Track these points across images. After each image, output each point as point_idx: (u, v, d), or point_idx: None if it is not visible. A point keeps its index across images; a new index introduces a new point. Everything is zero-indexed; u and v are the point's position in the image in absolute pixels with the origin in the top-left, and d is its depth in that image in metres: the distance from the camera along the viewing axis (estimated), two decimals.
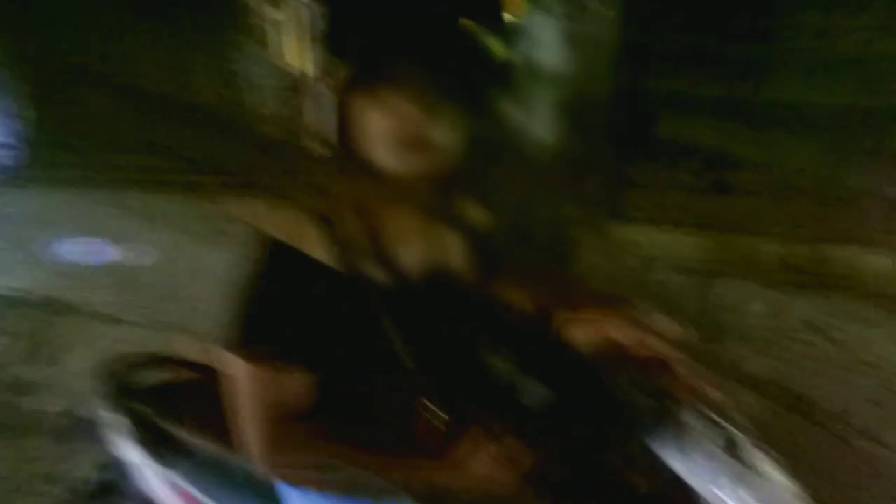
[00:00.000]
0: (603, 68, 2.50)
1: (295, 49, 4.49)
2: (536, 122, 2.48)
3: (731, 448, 0.51)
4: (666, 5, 2.91)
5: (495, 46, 0.59)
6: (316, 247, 0.53)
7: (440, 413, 0.57)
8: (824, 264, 2.64)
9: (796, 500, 0.50)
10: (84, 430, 1.81)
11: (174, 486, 0.83)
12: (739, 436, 0.52)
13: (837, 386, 2.00)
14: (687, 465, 0.52)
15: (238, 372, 0.53)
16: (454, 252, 0.66)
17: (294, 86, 4.55)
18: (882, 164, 2.70)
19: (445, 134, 0.51)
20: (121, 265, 3.17)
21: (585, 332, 0.68)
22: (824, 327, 2.30)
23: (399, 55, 0.52)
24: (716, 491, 0.50)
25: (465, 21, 0.57)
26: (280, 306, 0.53)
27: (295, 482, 0.62)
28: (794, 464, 0.53)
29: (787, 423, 1.80)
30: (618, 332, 0.64)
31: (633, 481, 0.58)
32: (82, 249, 3.26)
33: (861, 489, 1.60)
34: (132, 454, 0.87)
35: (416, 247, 0.61)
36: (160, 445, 0.83)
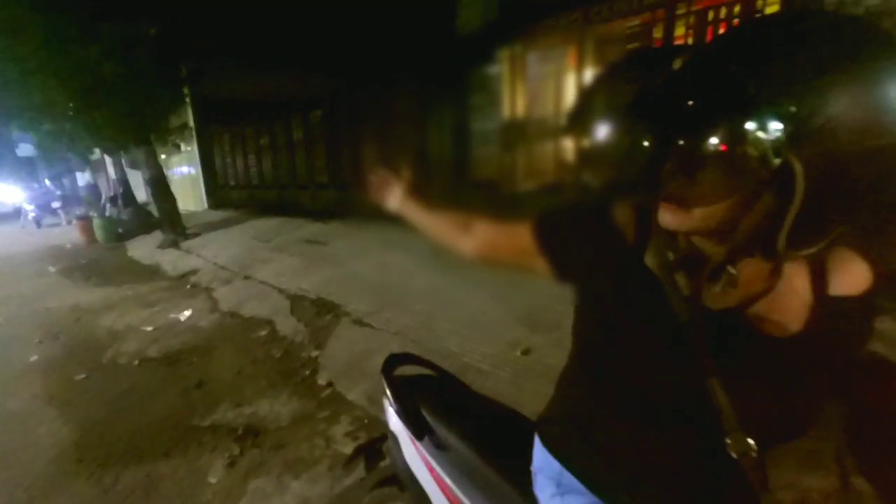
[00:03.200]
0: None
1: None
2: None
3: None
4: None
5: None
6: None
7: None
8: None
9: None
10: (344, 403, 2.35)
11: (425, 460, 1.00)
12: None
13: None
14: None
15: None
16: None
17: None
18: None
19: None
20: (372, 281, 4.00)
21: None
22: None
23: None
24: None
25: None
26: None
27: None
28: None
29: None
30: None
31: None
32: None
33: None
34: (397, 428, 1.08)
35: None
36: (418, 425, 1.02)
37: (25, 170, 16.83)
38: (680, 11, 3.85)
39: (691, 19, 3.84)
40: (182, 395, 2.59)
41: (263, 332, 3.41)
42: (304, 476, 1.86)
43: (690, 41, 3.82)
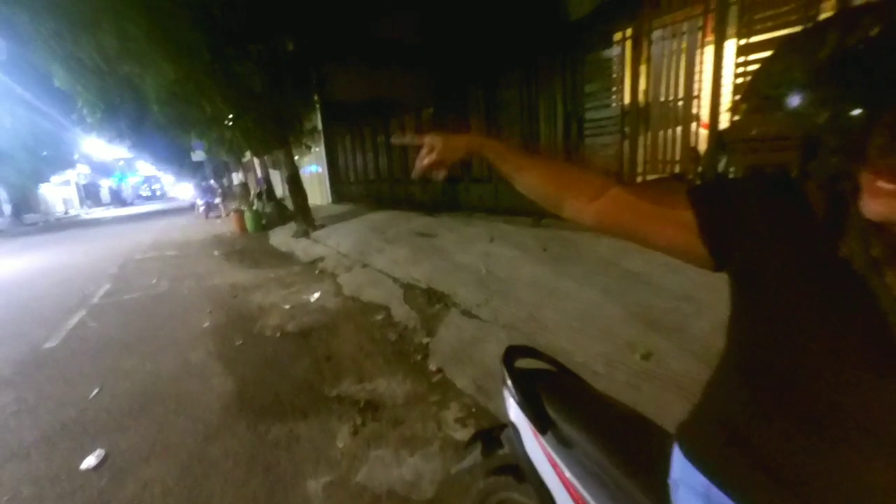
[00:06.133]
0: None
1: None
2: None
3: None
4: None
5: None
6: None
7: None
8: None
9: None
10: (454, 389, 2.44)
11: (547, 455, 0.99)
12: None
13: None
14: None
15: None
16: None
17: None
18: None
19: None
20: (479, 273, 4.07)
21: None
22: None
23: None
24: None
25: None
26: None
27: None
28: None
29: None
30: None
31: None
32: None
33: None
34: (518, 419, 1.09)
35: None
36: (541, 419, 1.01)
37: (197, 172, 20.66)
38: None
39: None
40: (314, 366, 2.94)
41: (380, 317, 3.70)
42: (418, 453, 1.98)
43: None
